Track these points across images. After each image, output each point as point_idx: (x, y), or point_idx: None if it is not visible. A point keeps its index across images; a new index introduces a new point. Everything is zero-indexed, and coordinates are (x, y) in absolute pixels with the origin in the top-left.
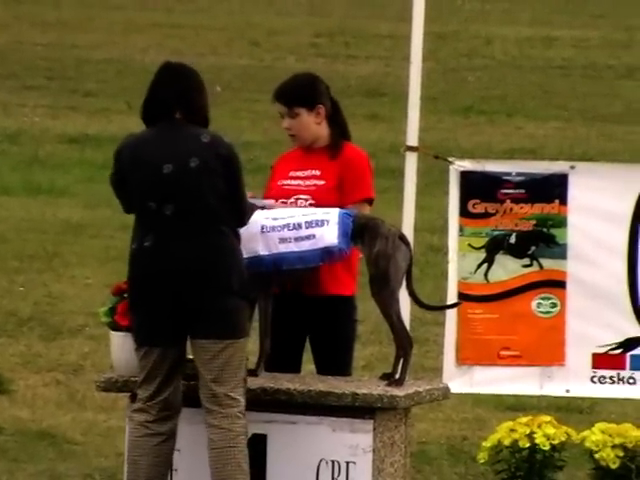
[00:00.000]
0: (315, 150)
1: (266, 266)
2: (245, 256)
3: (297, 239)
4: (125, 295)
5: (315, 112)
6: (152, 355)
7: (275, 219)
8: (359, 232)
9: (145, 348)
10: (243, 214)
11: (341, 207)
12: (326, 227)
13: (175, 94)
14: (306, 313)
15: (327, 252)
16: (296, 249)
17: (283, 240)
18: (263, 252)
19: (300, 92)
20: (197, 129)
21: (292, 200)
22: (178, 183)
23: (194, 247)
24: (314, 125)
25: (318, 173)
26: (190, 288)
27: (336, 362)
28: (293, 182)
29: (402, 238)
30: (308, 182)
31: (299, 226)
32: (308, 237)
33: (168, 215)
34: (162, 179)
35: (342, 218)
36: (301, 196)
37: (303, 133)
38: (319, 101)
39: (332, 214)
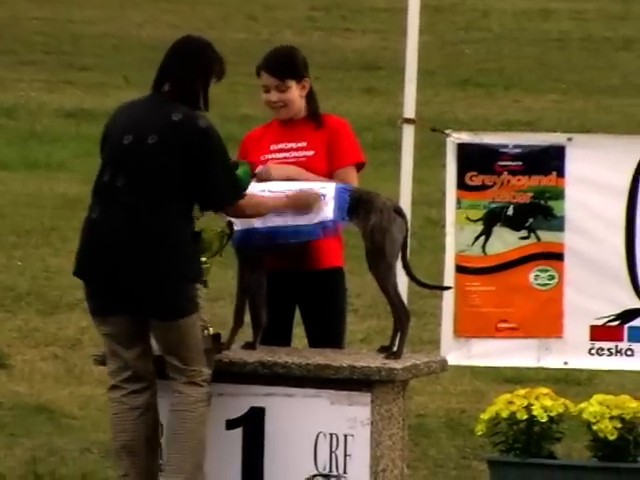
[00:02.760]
0: (295, 123)
1: (260, 239)
2: (240, 228)
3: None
4: None
5: (301, 85)
6: (106, 326)
7: (271, 192)
8: (354, 206)
9: (97, 319)
10: (221, 198)
11: (330, 174)
12: (322, 201)
13: (168, 67)
14: (296, 287)
15: (323, 227)
16: (292, 223)
17: (279, 213)
18: (257, 224)
19: (291, 65)
20: (176, 106)
21: None
22: (133, 156)
23: (135, 223)
24: (299, 98)
25: (305, 144)
26: (125, 265)
27: (329, 333)
28: (279, 155)
29: (398, 211)
30: (296, 154)
31: None
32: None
33: (118, 187)
34: (120, 149)
35: (339, 192)
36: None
37: (291, 106)
38: (306, 74)
39: (329, 188)
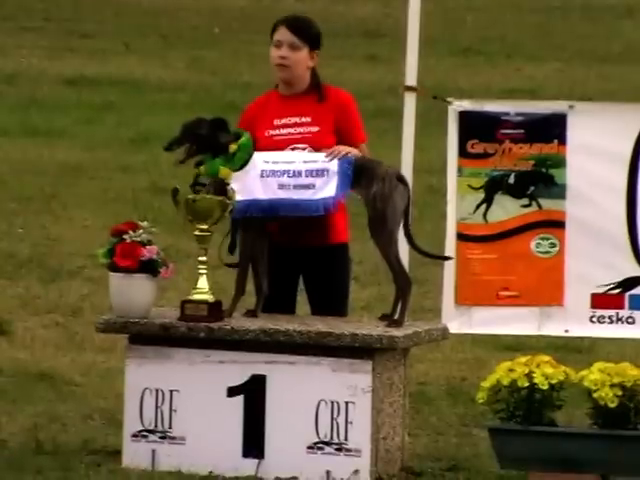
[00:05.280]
0: (297, 96)
1: (263, 210)
2: (242, 198)
3: (296, 187)
4: (124, 237)
5: (311, 55)
6: None
7: (275, 163)
8: (357, 174)
9: None
10: None
11: None
12: (326, 177)
13: None
14: (301, 261)
15: (324, 203)
16: (295, 197)
17: (282, 186)
18: (261, 196)
19: (310, 30)
20: None
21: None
22: None
23: None
24: (305, 66)
25: (309, 120)
26: None
27: (332, 306)
28: (283, 131)
29: (400, 178)
30: (300, 129)
31: (299, 174)
32: (308, 186)
33: None
34: None
35: (342, 166)
36: (297, 145)
37: (296, 68)
38: (319, 46)
39: (332, 162)
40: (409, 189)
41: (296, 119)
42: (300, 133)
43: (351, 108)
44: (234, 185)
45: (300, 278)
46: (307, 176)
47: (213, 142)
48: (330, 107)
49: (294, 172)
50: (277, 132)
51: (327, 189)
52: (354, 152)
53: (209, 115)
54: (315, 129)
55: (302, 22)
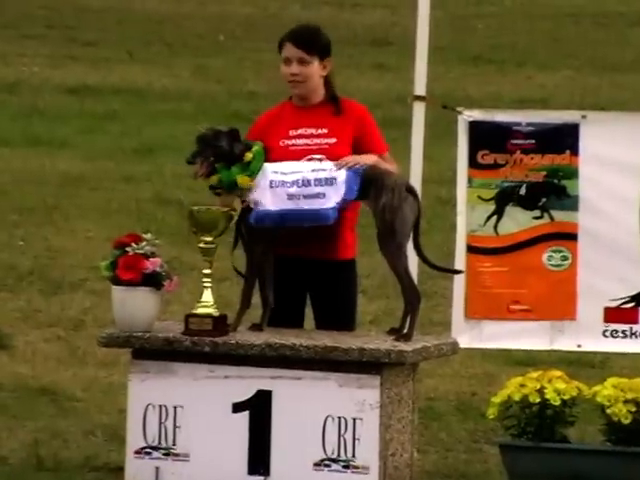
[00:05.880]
0: (313, 107)
1: (272, 220)
2: (254, 208)
3: (306, 197)
4: (127, 249)
5: (323, 65)
6: None
7: (284, 174)
8: (366, 185)
9: None
10: None
11: None
12: (334, 186)
13: None
14: (308, 275)
15: (333, 211)
16: (306, 207)
17: (291, 197)
18: (270, 207)
19: (317, 40)
20: None
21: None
22: None
23: None
24: (318, 77)
25: (326, 131)
26: None
27: (339, 323)
28: (299, 141)
29: (409, 189)
30: (317, 140)
31: (308, 183)
32: (318, 195)
33: None
34: None
35: (348, 176)
36: (314, 156)
37: (309, 82)
38: (329, 55)
39: (341, 170)
40: (419, 200)
41: (312, 130)
42: (317, 144)
43: (369, 120)
44: (250, 195)
45: (307, 294)
46: (316, 185)
47: (230, 153)
48: (348, 120)
49: (303, 181)
50: (293, 142)
51: (336, 197)
52: (368, 161)
53: (214, 124)
54: (332, 141)
55: (308, 35)
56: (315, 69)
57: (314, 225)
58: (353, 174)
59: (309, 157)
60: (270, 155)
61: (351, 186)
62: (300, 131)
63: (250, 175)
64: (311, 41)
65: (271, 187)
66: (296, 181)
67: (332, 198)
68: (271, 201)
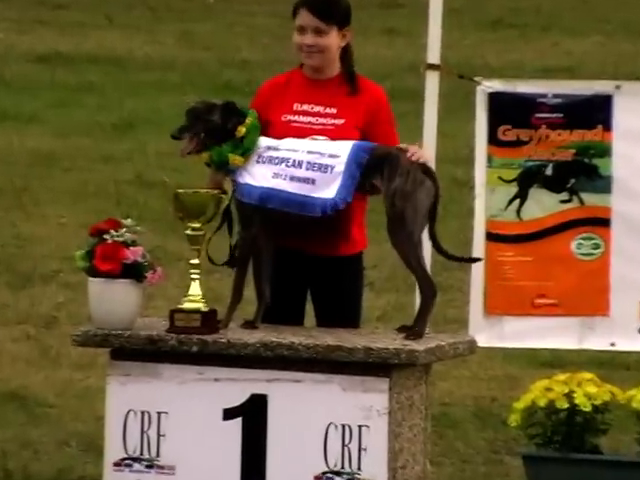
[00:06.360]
0: (325, 81)
1: (252, 198)
2: (240, 180)
3: (293, 179)
4: (104, 236)
5: (342, 33)
6: None
7: (277, 149)
8: (378, 165)
9: None
10: None
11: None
12: (329, 175)
13: None
14: (309, 270)
15: (323, 205)
16: (289, 189)
17: (276, 175)
18: (252, 182)
19: (338, 7)
20: None
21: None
22: None
23: None
24: (336, 48)
25: (334, 111)
26: None
27: (342, 322)
28: (302, 118)
29: (427, 171)
30: (322, 120)
31: (299, 164)
32: (306, 180)
33: None
34: None
35: (350, 167)
36: (317, 137)
37: (327, 53)
38: (349, 23)
39: (341, 158)
40: (437, 184)
41: (320, 108)
42: (322, 124)
43: (386, 107)
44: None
45: (308, 290)
46: (307, 169)
47: (223, 129)
48: (363, 101)
49: (294, 162)
50: (296, 118)
51: (328, 190)
52: (429, 158)
53: (202, 96)
54: (340, 121)
55: (327, 2)
56: (333, 40)
57: (302, 215)
58: (354, 166)
59: (311, 138)
60: (269, 130)
61: (349, 180)
62: (305, 107)
63: (243, 154)
64: (329, 8)
65: (257, 162)
66: (286, 159)
67: (322, 188)
68: (254, 177)
